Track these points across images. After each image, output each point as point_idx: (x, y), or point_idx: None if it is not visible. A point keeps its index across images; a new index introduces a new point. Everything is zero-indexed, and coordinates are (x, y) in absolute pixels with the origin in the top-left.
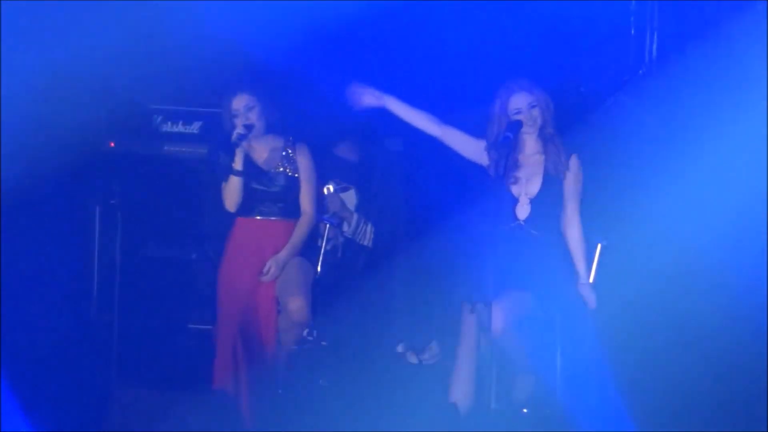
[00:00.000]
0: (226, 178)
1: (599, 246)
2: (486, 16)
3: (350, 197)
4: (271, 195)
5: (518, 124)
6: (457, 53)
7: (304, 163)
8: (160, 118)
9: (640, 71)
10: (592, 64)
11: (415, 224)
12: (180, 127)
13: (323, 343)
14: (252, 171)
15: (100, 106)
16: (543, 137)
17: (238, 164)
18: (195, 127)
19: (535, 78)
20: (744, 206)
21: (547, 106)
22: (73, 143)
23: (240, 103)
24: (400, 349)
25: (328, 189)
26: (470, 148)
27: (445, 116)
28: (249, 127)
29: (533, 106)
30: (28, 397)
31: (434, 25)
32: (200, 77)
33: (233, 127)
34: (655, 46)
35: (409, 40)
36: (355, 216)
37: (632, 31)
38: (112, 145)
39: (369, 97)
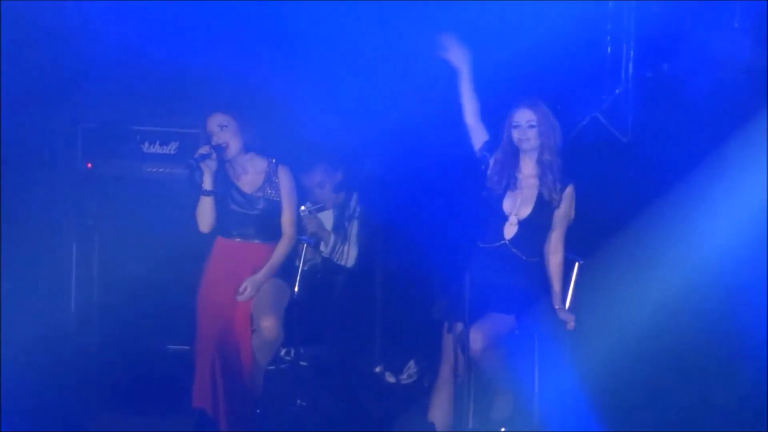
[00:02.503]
0: (198, 199)
1: (576, 265)
2: (465, 39)
3: (327, 217)
4: (251, 218)
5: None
6: (438, 70)
7: (286, 186)
8: (137, 139)
9: (617, 91)
10: (568, 84)
11: (394, 243)
12: (157, 148)
13: (302, 363)
14: (232, 193)
15: (77, 127)
16: (541, 162)
17: (207, 184)
18: (172, 148)
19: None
20: (728, 218)
21: (549, 131)
22: (50, 164)
23: (213, 123)
24: (378, 368)
25: (304, 209)
26: (479, 146)
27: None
28: (219, 148)
29: (531, 126)
30: (6, 420)
31: (408, 48)
32: (178, 97)
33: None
34: (631, 66)
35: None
36: (332, 236)
37: (608, 51)
38: (90, 166)
39: (454, 55)
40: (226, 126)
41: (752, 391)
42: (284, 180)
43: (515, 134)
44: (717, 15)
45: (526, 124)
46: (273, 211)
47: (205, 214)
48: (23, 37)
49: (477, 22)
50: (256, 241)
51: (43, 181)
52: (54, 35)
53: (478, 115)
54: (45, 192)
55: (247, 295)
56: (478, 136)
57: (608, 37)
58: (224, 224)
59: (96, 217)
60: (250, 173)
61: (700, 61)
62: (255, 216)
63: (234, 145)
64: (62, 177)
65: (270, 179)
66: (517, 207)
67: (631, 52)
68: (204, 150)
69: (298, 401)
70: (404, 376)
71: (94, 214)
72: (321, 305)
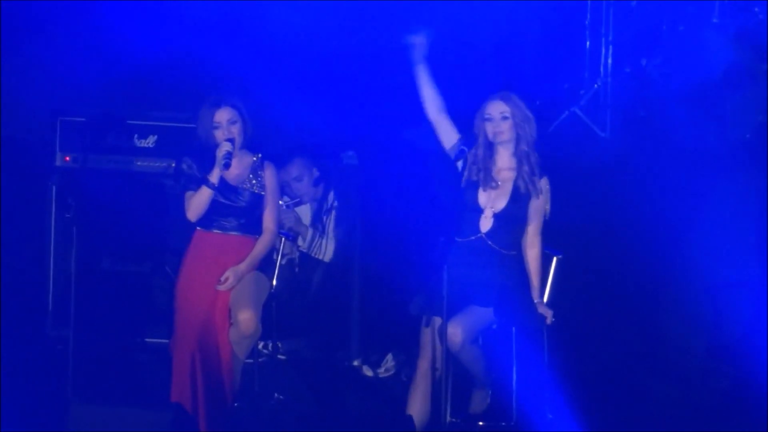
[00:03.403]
0: (195, 188)
1: (555, 259)
2: (443, 30)
3: (305, 212)
4: (234, 210)
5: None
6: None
7: (270, 182)
8: (115, 132)
9: (596, 85)
10: (547, 79)
11: (372, 237)
12: (135, 141)
13: (280, 356)
14: (219, 185)
15: (54, 120)
16: (518, 154)
17: (214, 177)
18: (150, 141)
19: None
20: (704, 208)
21: (524, 122)
22: (27, 158)
23: (223, 116)
24: (356, 362)
25: (282, 204)
26: (452, 144)
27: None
28: (231, 142)
29: (505, 118)
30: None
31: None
32: (157, 91)
33: (210, 138)
34: (609, 61)
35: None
36: (310, 230)
37: (587, 46)
38: (67, 159)
39: (417, 49)
40: (235, 122)
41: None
42: (269, 176)
43: (489, 127)
44: (695, 10)
45: (499, 116)
46: (256, 204)
47: (201, 204)
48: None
49: (455, 18)
50: (235, 233)
51: (20, 175)
52: (33, 28)
53: (442, 109)
54: (23, 185)
55: (228, 285)
56: (445, 131)
57: (587, 32)
58: (207, 215)
59: (74, 211)
60: (237, 166)
61: (678, 56)
62: (239, 208)
63: (239, 140)
64: (40, 170)
65: (255, 173)
66: (492, 200)
67: (610, 47)
68: (228, 147)
69: (276, 395)
70: (382, 370)
71: (71, 207)
72: (299, 299)
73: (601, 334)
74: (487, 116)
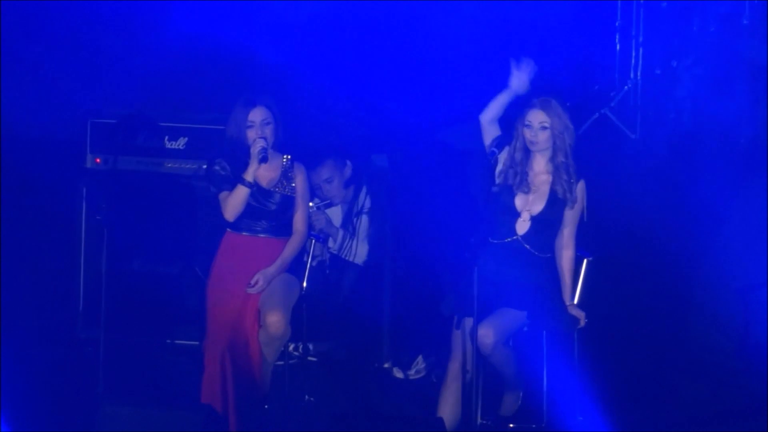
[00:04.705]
0: (230, 189)
1: (585, 261)
2: (475, 31)
3: (335, 213)
4: (266, 213)
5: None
6: (448, 66)
7: (300, 183)
8: (146, 134)
9: (626, 87)
10: (578, 80)
11: (402, 238)
12: (166, 143)
13: (310, 358)
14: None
15: (85, 122)
16: (554, 162)
17: (249, 176)
18: (181, 143)
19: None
20: (733, 211)
21: (562, 132)
22: (58, 160)
23: (258, 115)
24: (386, 364)
25: (312, 205)
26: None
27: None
28: (265, 141)
29: (544, 128)
30: (14, 414)
31: (423, 43)
32: (187, 93)
33: (242, 137)
34: (640, 63)
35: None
36: (341, 232)
37: (617, 48)
38: (98, 161)
39: (517, 80)
40: (269, 122)
41: (752, 391)
42: (300, 177)
43: (527, 134)
44: (726, 11)
45: (538, 125)
46: (287, 207)
47: (238, 203)
48: (31, 32)
49: (488, 19)
50: (265, 235)
51: (51, 177)
52: (63, 30)
53: (496, 120)
54: (53, 187)
55: (258, 288)
56: (490, 135)
57: (617, 35)
58: (238, 218)
59: (104, 212)
60: (267, 169)
61: (708, 58)
62: (270, 211)
63: (271, 141)
64: (70, 172)
65: (286, 175)
66: (530, 204)
67: (640, 49)
68: (263, 143)
69: (307, 397)
70: (412, 372)
71: (102, 209)
72: (329, 301)
73: (632, 336)
74: (527, 123)
